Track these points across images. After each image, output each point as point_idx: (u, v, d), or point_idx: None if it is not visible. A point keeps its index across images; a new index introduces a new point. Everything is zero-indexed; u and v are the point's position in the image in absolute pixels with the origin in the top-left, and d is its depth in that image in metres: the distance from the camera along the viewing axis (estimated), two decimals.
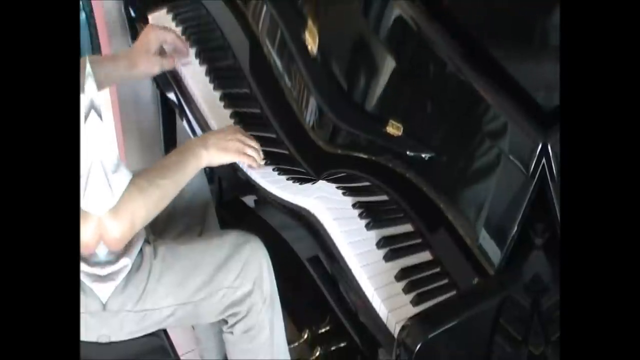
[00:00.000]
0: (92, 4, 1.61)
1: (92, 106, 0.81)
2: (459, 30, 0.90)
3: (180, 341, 1.36)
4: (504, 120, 0.82)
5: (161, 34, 1.21)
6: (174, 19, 1.42)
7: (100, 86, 1.01)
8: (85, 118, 0.80)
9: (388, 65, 1.01)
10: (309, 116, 1.10)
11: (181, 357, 1.11)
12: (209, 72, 1.31)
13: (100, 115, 0.80)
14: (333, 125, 1.05)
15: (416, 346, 0.77)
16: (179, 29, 1.37)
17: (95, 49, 1.68)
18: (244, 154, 1.04)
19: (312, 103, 1.08)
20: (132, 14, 1.45)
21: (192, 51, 1.34)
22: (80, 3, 1.64)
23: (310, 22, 1.07)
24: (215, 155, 1.00)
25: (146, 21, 1.41)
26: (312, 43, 1.07)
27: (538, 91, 0.84)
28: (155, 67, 1.22)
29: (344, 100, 1.05)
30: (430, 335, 0.78)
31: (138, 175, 0.89)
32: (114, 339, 1.02)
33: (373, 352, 1.02)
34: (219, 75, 1.30)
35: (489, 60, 0.87)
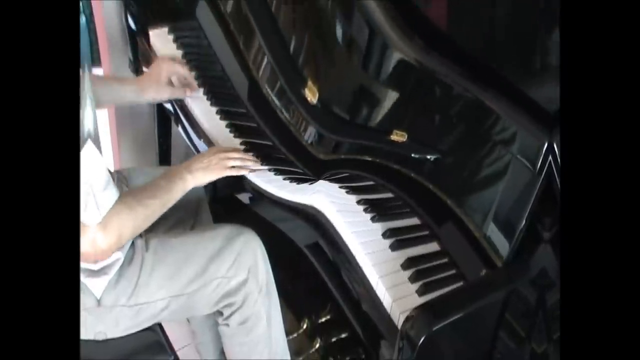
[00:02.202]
0: (92, 8, 1.66)
1: (89, 135, 0.89)
2: (461, 57, 0.97)
3: (176, 336, 1.41)
4: (510, 123, 0.88)
5: (172, 67, 1.33)
6: (175, 40, 1.46)
7: (102, 105, 1.20)
8: (83, 144, 0.87)
9: (391, 97, 1.07)
10: (308, 137, 1.17)
11: (177, 352, 1.14)
12: (206, 93, 1.38)
13: (96, 143, 0.90)
14: (335, 142, 1.13)
15: (420, 339, 0.77)
16: (179, 52, 1.43)
17: (95, 55, 1.75)
18: (229, 168, 1.13)
19: (311, 129, 1.16)
20: (133, 27, 1.51)
21: (192, 74, 1.40)
22: (80, 6, 1.68)
23: (310, 82, 1.15)
24: (200, 177, 1.10)
25: (147, 36, 1.47)
26: (312, 97, 1.15)
27: (541, 101, 0.89)
28: (165, 94, 1.34)
29: (345, 126, 1.13)
30: (435, 328, 0.78)
31: (127, 194, 1.00)
32: (110, 335, 1.06)
33: (375, 343, 1.03)
34: (216, 96, 1.37)
35: (492, 76, 0.92)
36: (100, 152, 0.90)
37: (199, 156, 1.15)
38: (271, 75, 1.23)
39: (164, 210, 1.06)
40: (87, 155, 0.88)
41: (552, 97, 0.84)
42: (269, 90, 1.24)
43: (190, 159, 1.14)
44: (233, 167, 1.14)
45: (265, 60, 1.23)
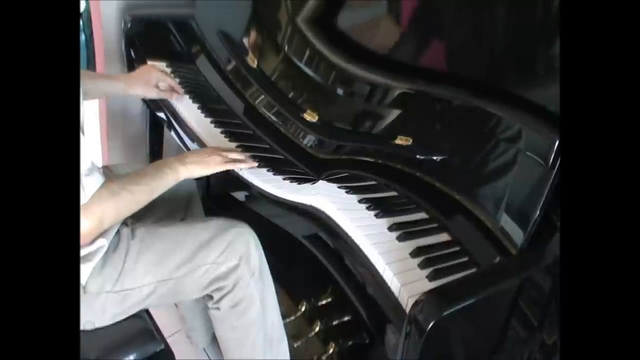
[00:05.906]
0: (92, 29, 1.74)
1: None
2: (462, 81, 1.07)
3: (166, 323, 1.45)
4: (517, 127, 0.95)
5: (161, 76, 1.48)
6: (172, 72, 1.57)
7: (90, 97, 1.48)
8: None
9: (394, 114, 1.15)
10: (307, 142, 1.24)
11: (168, 339, 1.18)
12: (201, 107, 1.47)
13: (83, 131, 0.96)
14: (337, 145, 1.19)
15: (429, 324, 0.78)
16: (177, 81, 1.53)
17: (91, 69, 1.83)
18: (225, 163, 1.18)
19: (311, 137, 1.23)
20: (132, 54, 1.61)
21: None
22: (81, 24, 1.80)
23: (309, 110, 1.27)
24: (193, 170, 1.15)
25: (145, 64, 1.55)
26: (312, 119, 1.26)
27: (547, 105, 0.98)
28: (151, 94, 1.47)
29: (348, 134, 1.19)
30: (446, 313, 0.79)
31: (112, 180, 1.04)
32: (98, 324, 1.10)
33: (380, 328, 1.05)
34: (211, 109, 1.46)
35: (499, 92, 1.03)
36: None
37: (195, 150, 1.21)
38: (269, 104, 1.33)
39: (150, 198, 1.09)
40: None
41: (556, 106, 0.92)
42: (266, 112, 1.34)
43: (185, 152, 1.19)
44: (228, 162, 1.18)
45: (263, 96, 1.37)
